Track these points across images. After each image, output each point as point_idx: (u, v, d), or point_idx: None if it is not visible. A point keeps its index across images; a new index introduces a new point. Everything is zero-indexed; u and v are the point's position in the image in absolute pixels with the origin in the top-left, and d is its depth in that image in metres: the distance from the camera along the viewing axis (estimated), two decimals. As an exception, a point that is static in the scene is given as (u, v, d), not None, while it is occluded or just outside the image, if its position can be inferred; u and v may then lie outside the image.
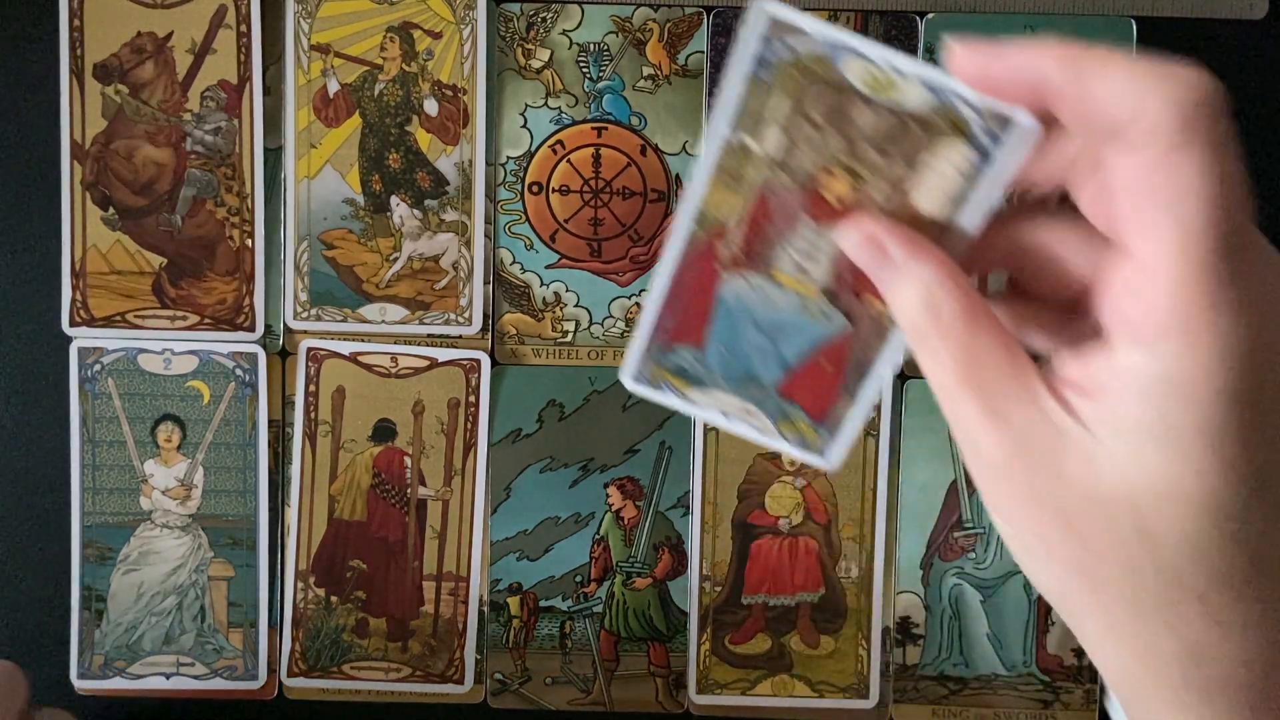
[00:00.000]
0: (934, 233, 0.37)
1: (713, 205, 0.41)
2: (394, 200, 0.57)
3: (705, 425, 0.58)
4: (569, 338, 0.58)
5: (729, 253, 0.41)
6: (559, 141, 0.57)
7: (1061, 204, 0.36)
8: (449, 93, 0.56)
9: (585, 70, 0.56)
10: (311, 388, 0.57)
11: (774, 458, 0.58)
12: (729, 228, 0.40)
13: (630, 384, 0.43)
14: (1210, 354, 0.31)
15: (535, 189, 0.57)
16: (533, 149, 0.57)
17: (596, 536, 0.59)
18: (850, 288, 0.40)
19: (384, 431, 0.58)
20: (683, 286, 0.42)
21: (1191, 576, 0.32)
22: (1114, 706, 0.38)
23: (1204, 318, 0.31)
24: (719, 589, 0.59)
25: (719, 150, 0.40)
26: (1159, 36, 0.56)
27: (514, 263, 0.57)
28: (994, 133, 0.35)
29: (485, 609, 0.59)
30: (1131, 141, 0.32)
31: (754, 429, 0.43)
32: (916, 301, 0.35)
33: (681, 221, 0.41)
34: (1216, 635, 0.33)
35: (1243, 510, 0.32)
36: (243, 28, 0.56)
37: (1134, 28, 0.56)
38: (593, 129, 0.57)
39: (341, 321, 0.57)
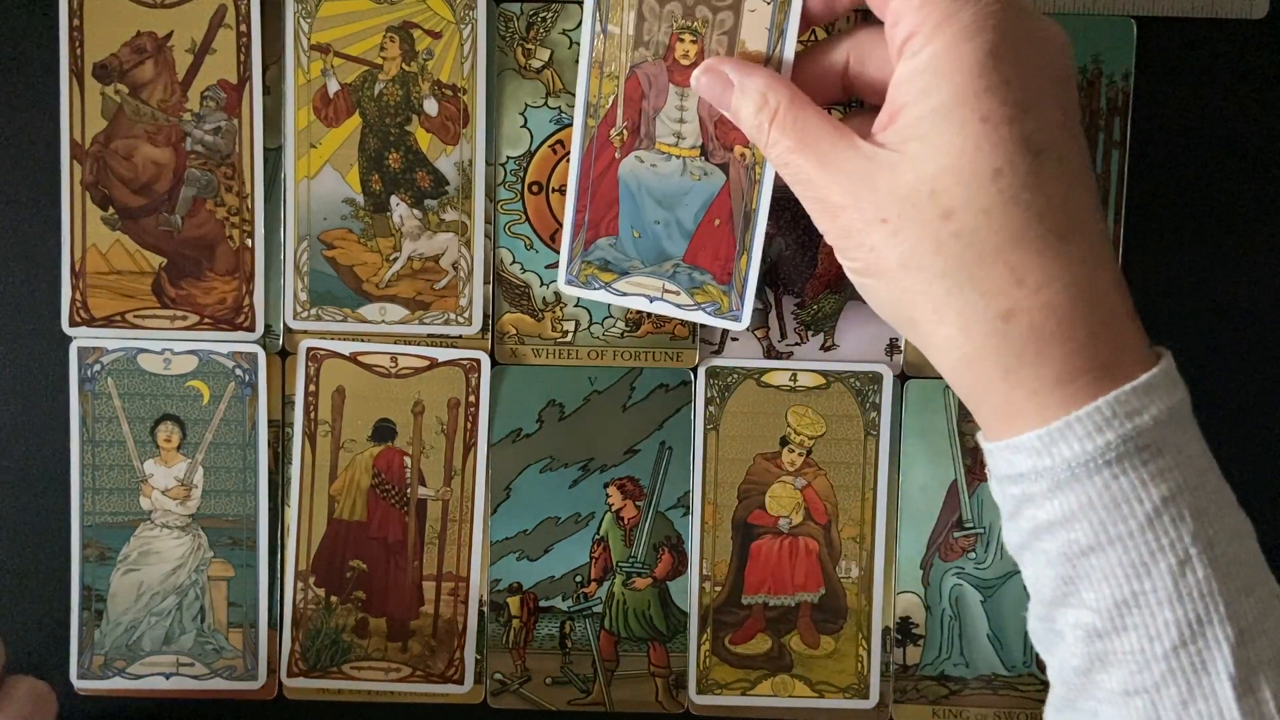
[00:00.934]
0: (762, 63, 0.46)
1: (596, 94, 0.49)
2: (394, 200, 0.57)
3: (705, 424, 0.58)
4: (569, 338, 0.58)
5: (619, 135, 0.49)
6: (559, 141, 0.57)
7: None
8: (449, 92, 0.56)
9: (585, 70, 0.56)
10: (311, 388, 0.57)
11: (774, 457, 0.58)
12: (614, 112, 0.49)
13: (565, 288, 0.51)
14: (955, 32, 0.38)
15: (535, 189, 0.57)
16: (533, 149, 0.57)
17: (596, 536, 0.58)
18: (718, 141, 0.48)
19: (384, 431, 0.58)
20: (590, 180, 0.50)
21: (990, 240, 0.38)
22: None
23: (944, 6, 0.38)
24: (719, 589, 0.58)
25: (590, 42, 0.48)
26: (1159, 36, 0.56)
27: (514, 263, 0.57)
28: None
29: (485, 609, 0.59)
30: None
31: (675, 306, 0.51)
32: (754, 105, 0.43)
33: (577, 119, 0.49)
34: (1022, 292, 0.38)
35: (1024, 176, 0.38)
36: (242, 27, 0.56)
37: (1134, 28, 0.56)
38: (593, 129, 0.57)
39: (341, 321, 0.57)
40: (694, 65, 0.47)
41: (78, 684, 0.59)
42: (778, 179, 0.46)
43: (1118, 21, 0.56)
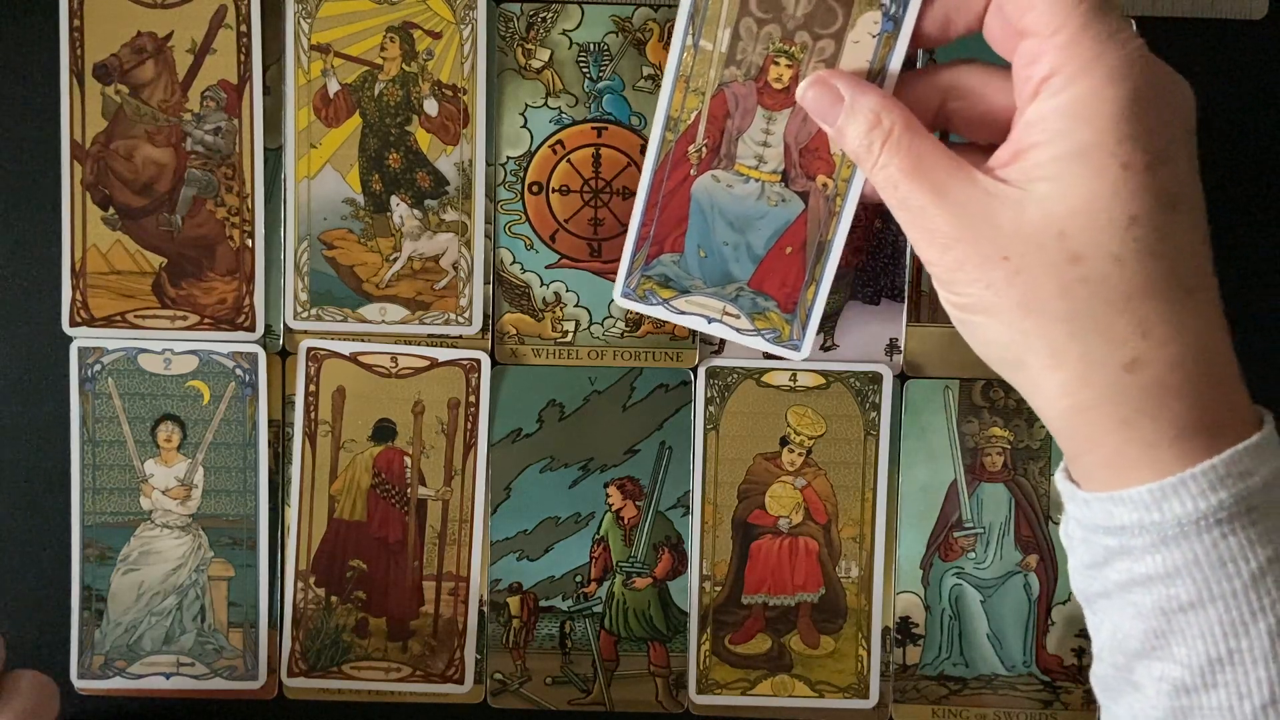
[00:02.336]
0: None
1: (678, 109, 0.47)
2: (394, 200, 0.57)
3: (705, 424, 0.58)
4: (569, 338, 0.58)
5: (697, 153, 0.48)
6: (559, 141, 0.57)
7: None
8: (449, 93, 0.56)
9: (585, 70, 0.56)
10: (311, 388, 0.57)
11: (774, 457, 0.58)
12: (695, 128, 0.47)
13: (621, 300, 0.49)
14: (1101, 76, 0.37)
15: (535, 189, 0.57)
16: (533, 149, 0.57)
17: (596, 536, 0.59)
18: (801, 168, 0.47)
19: (384, 431, 0.58)
20: (661, 194, 0.48)
21: (1118, 289, 0.37)
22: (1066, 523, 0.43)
23: (1090, 48, 0.37)
24: (719, 589, 0.59)
25: (679, 56, 0.47)
26: (1159, 36, 0.56)
27: (514, 263, 0.57)
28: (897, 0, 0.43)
29: (485, 609, 0.59)
30: None
31: (734, 330, 0.49)
32: (865, 125, 0.42)
33: (655, 131, 0.47)
34: (1147, 344, 0.37)
35: (1159, 226, 0.37)
36: (243, 28, 0.56)
37: (1134, 28, 0.56)
38: (593, 129, 0.57)
39: (341, 321, 0.57)
40: (786, 90, 0.46)
41: (78, 684, 0.59)
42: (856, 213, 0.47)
43: (1118, 22, 0.56)
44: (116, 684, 0.59)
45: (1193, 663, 0.38)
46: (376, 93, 0.56)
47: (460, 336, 0.57)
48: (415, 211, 0.57)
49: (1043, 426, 0.57)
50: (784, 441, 0.58)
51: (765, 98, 0.47)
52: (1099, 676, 0.42)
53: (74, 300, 0.57)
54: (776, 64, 0.46)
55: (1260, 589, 0.37)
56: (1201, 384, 0.38)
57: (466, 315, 0.57)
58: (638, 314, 0.57)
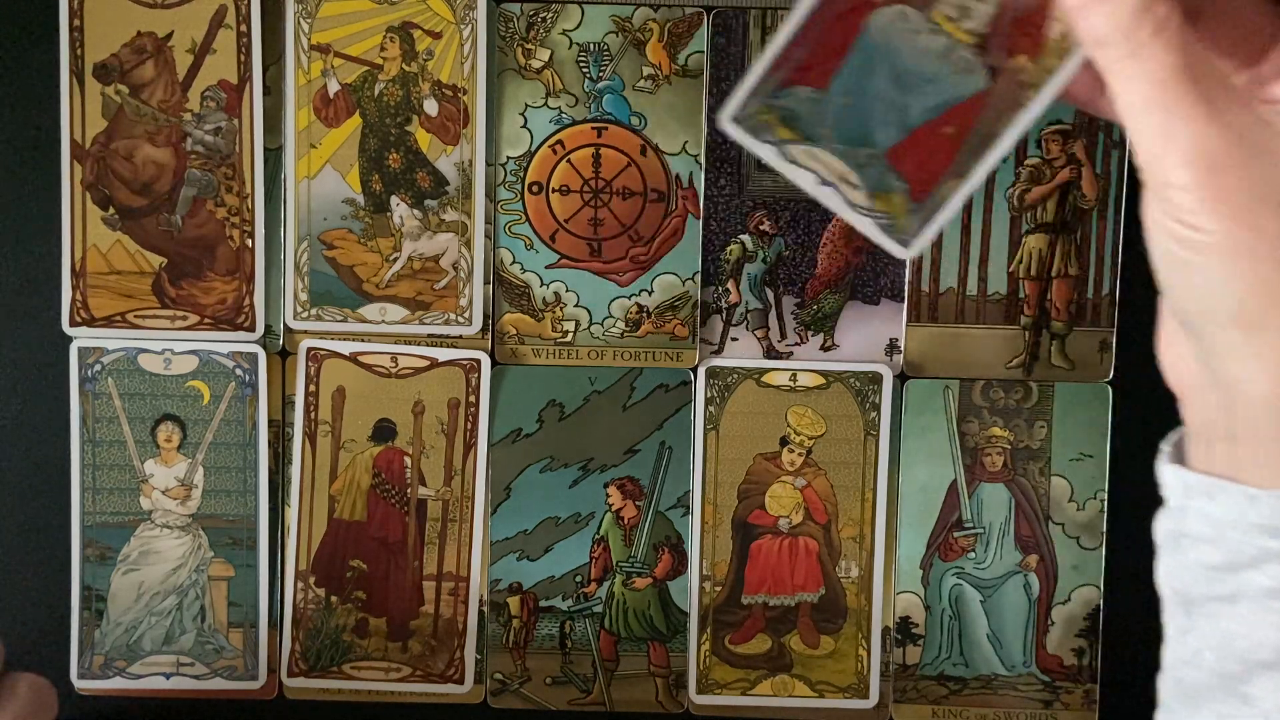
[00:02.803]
0: None
1: None
2: (394, 200, 0.57)
3: (705, 424, 0.58)
4: (569, 338, 0.58)
5: None
6: (559, 141, 0.57)
7: None
8: (449, 93, 0.56)
9: (585, 70, 0.56)
10: (311, 388, 0.57)
11: (774, 457, 0.58)
12: None
13: (728, 126, 0.40)
14: None
15: (535, 189, 0.57)
16: (533, 149, 0.57)
17: (596, 536, 0.59)
18: (1004, 41, 0.38)
19: (384, 431, 0.58)
20: (829, 12, 0.39)
21: None
22: (1166, 471, 0.38)
23: None
24: (719, 589, 0.59)
25: None
26: None
27: (514, 263, 0.57)
28: None
29: (485, 609, 0.59)
30: None
31: (844, 202, 0.40)
32: (1135, 7, 0.33)
33: None
34: None
35: None
36: (243, 28, 0.56)
37: None
38: (593, 129, 0.57)
39: (341, 321, 0.57)
40: None
41: (78, 684, 0.59)
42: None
43: (1118, 22, 0.56)
44: (116, 684, 0.59)
45: None
46: (376, 93, 0.56)
47: (460, 336, 0.57)
48: (415, 211, 0.57)
49: (1043, 426, 0.57)
50: (784, 441, 0.58)
51: None
52: (1184, 683, 0.39)
53: (74, 300, 0.57)
54: None
55: None
56: None
57: (466, 315, 0.57)
58: (636, 314, 0.57)
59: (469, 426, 0.58)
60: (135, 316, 0.57)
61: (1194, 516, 0.37)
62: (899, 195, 0.40)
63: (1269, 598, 0.35)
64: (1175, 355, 0.38)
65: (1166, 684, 0.39)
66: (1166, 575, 0.38)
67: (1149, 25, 0.33)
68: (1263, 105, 0.34)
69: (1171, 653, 0.39)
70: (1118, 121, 0.35)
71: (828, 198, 0.40)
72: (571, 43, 0.56)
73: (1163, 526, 0.38)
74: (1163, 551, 0.38)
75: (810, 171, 0.40)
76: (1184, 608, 0.38)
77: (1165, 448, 0.39)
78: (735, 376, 0.57)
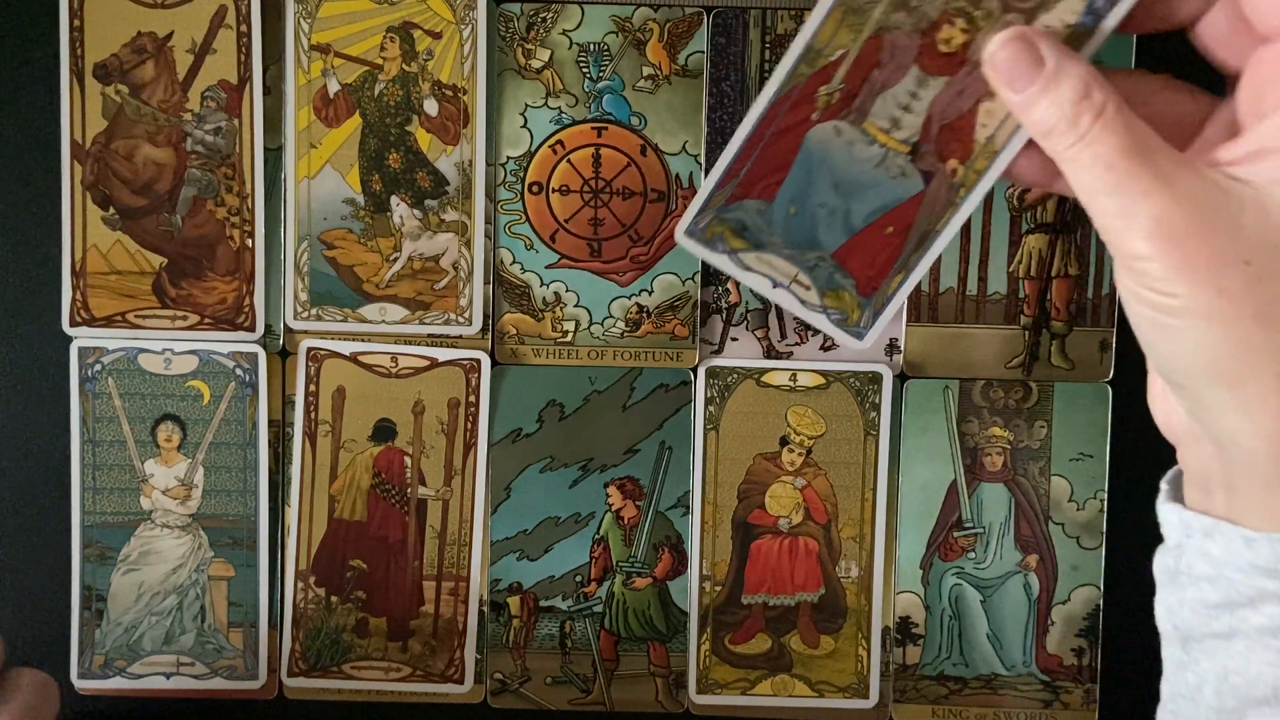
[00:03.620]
0: None
1: (826, 41, 0.40)
2: (394, 200, 0.57)
3: (705, 424, 0.58)
4: (569, 338, 0.58)
5: (828, 96, 0.41)
6: (559, 141, 0.57)
7: None
8: (449, 93, 0.56)
9: (585, 70, 0.56)
10: (311, 388, 0.57)
11: (774, 457, 0.58)
12: (835, 68, 0.40)
13: (683, 238, 0.43)
14: None
15: (535, 189, 0.57)
16: (533, 149, 0.57)
17: (596, 536, 0.59)
18: (935, 146, 0.41)
19: (384, 431, 0.58)
20: (769, 131, 0.42)
21: None
22: (1167, 511, 0.39)
23: None
24: (719, 589, 0.59)
25: None
26: (1159, 36, 0.56)
27: (514, 263, 0.57)
28: None
29: (485, 609, 0.59)
30: None
31: (798, 301, 0.43)
32: (1073, 94, 0.36)
33: (788, 59, 0.40)
34: None
35: None
36: (243, 28, 0.56)
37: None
38: (593, 129, 0.57)
39: (341, 321, 0.57)
40: (952, 56, 0.40)
41: (78, 684, 0.59)
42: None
43: (1117, 22, 0.56)
44: (117, 684, 0.59)
45: None
46: (376, 93, 0.56)
47: (460, 336, 0.57)
48: (415, 211, 0.57)
49: (1043, 426, 0.57)
50: (784, 441, 0.58)
51: (925, 57, 0.41)
52: (1181, 716, 0.39)
53: (74, 300, 0.57)
54: (952, 24, 0.40)
55: None
56: None
57: (466, 315, 0.57)
58: (636, 314, 0.57)
59: (469, 426, 0.58)
60: (135, 316, 0.57)
61: (1193, 555, 0.37)
62: (848, 292, 0.43)
63: (1266, 635, 0.35)
64: (1166, 409, 0.39)
65: (1164, 717, 0.40)
66: (1165, 611, 0.38)
67: (1090, 112, 0.35)
68: (1212, 170, 0.35)
69: (1169, 686, 0.39)
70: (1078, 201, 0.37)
71: (782, 298, 0.43)
72: (571, 43, 0.56)
73: (1161, 563, 0.39)
74: (1162, 588, 0.39)
75: (764, 275, 0.43)
76: (1182, 644, 0.38)
77: (1164, 485, 0.39)
78: (735, 376, 0.57)
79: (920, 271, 0.43)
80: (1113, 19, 0.38)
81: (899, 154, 0.41)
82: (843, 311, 0.44)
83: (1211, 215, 0.34)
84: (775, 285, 0.43)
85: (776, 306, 0.57)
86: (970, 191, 0.41)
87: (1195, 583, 0.37)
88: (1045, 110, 0.36)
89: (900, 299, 0.43)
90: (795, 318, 0.57)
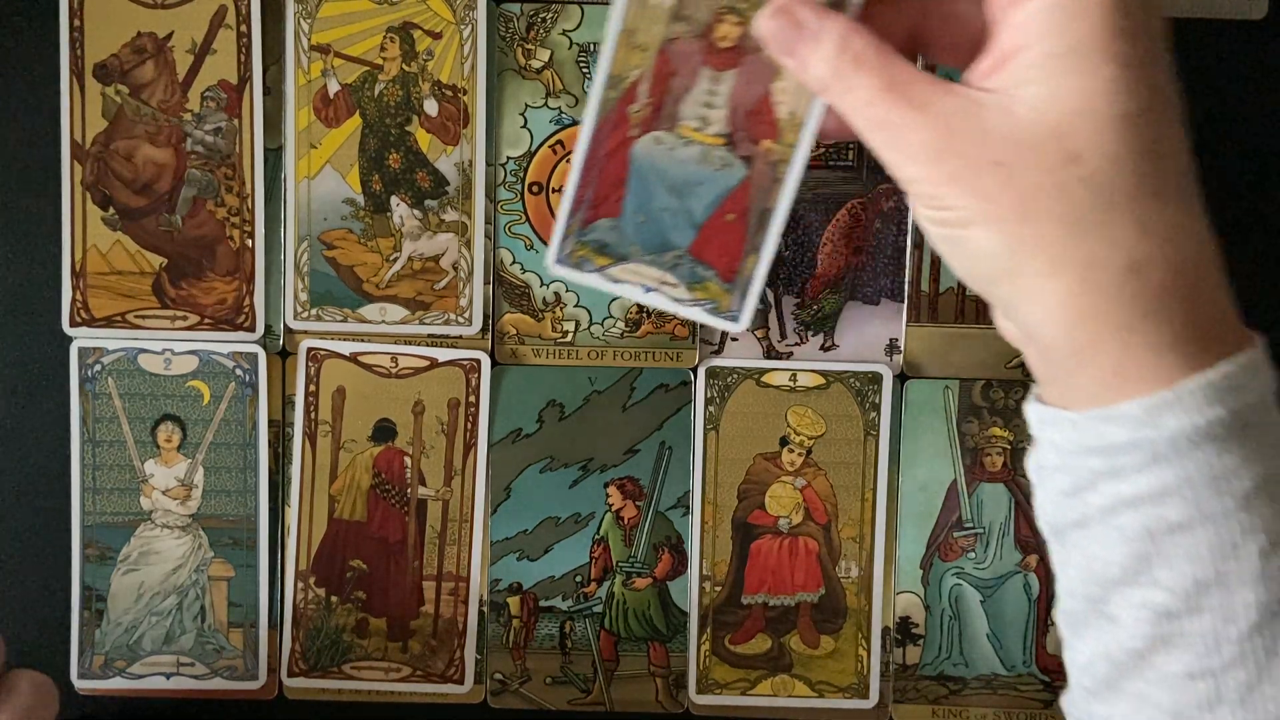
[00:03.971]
0: None
1: (621, 66, 0.45)
2: (394, 200, 0.57)
3: (705, 424, 0.58)
4: (569, 338, 0.58)
5: (639, 112, 0.45)
6: (559, 141, 0.57)
7: None
8: (449, 93, 0.56)
9: (585, 70, 0.56)
10: (311, 388, 0.57)
11: (774, 457, 0.58)
12: (637, 87, 0.45)
13: (554, 268, 0.46)
14: None
15: (535, 189, 0.57)
16: (533, 149, 0.57)
17: (596, 537, 0.59)
18: (746, 133, 0.45)
19: (384, 431, 0.58)
20: (599, 155, 0.46)
21: (1120, 188, 0.36)
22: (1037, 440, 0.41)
23: None
24: (719, 589, 0.59)
25: (624, 10, 0.45)
26: None
27: (514, 263, 0.57)
28: None
29: (485, 609, 0.59)
30: None
31: (672, 300, 0.47)
32: (833, 49, 0.39)
33: (594, 90, 0.45)
34: (1151, 245, 0.36)
35: (1157, 125, 0.36)
36: (243, 28, 0.56)
37: None
38: (593, 129, 0.57)
39: (341, 321, 0.57)
40: (734, 49, 0.44)
41: (78, 684, 0.59)
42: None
43: (1117, 22, 0.56)
44: (116, 684, 0.59)
45: (1178, 587, 0.37)
46: (376, 93, 0.56)
47: (460, 336, 0.57)
48: (415, 211, 0.57)
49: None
50: (784, 441, 0.58)
51: (711, 57, 0.45)
52: (1066, 613, 0.41)
53: (74, 300, 0.57)
54: (724, 21, 0.44)
55: (1252, 509, 0.36)
56: (1201, 291, 0.36)
57: (466, 315, 0.57)
58: (636, 314, 0.57)
59: (469, 426, 0.58)
60: (135, 316, 0.57)
61: (1045, 446, 0.39)
62: (713, 282, 0.47)
63: (1108, 515, 0.37)
64: (999, 319, 0.42)
65: (1060, 619, 0.41)
66: (1039, 511, 0.40)
67: (849, 61, 0.39)
68: (964, 87, 0.38)
69: (1058, 587, 0.41)
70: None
71: (655, 300, 0.46)
72: (571, 43, 0.56)
73: (1030, 463, 0.41)
74: (1034, 488, 0.41)
75: (634, 284, 0.47)
76: (1058, 540, 0.40)
77: (1033, 390, 0.41)
78: (735, 376, 0.57)
79: (770, 247, 0.46)
80: None
81: (716, 147, 0.45)
82: (713, 300, 0.47)
83: (962, 128, 0.37)
84: (647, 291, 0.47)
85: (778, 306, 0.57)
86: (790, 165, 0.45)
87: (1051, 475, 0.39)
88: (816, 68, 0.40)
89: (760, 276, 0.46)
90: (793, 318, 0.57)
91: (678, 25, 0.45)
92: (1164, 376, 0.36)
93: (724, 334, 0.57)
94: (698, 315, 0.48)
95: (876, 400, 0.57)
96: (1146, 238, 0.36)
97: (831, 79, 0.40)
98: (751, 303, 0.47)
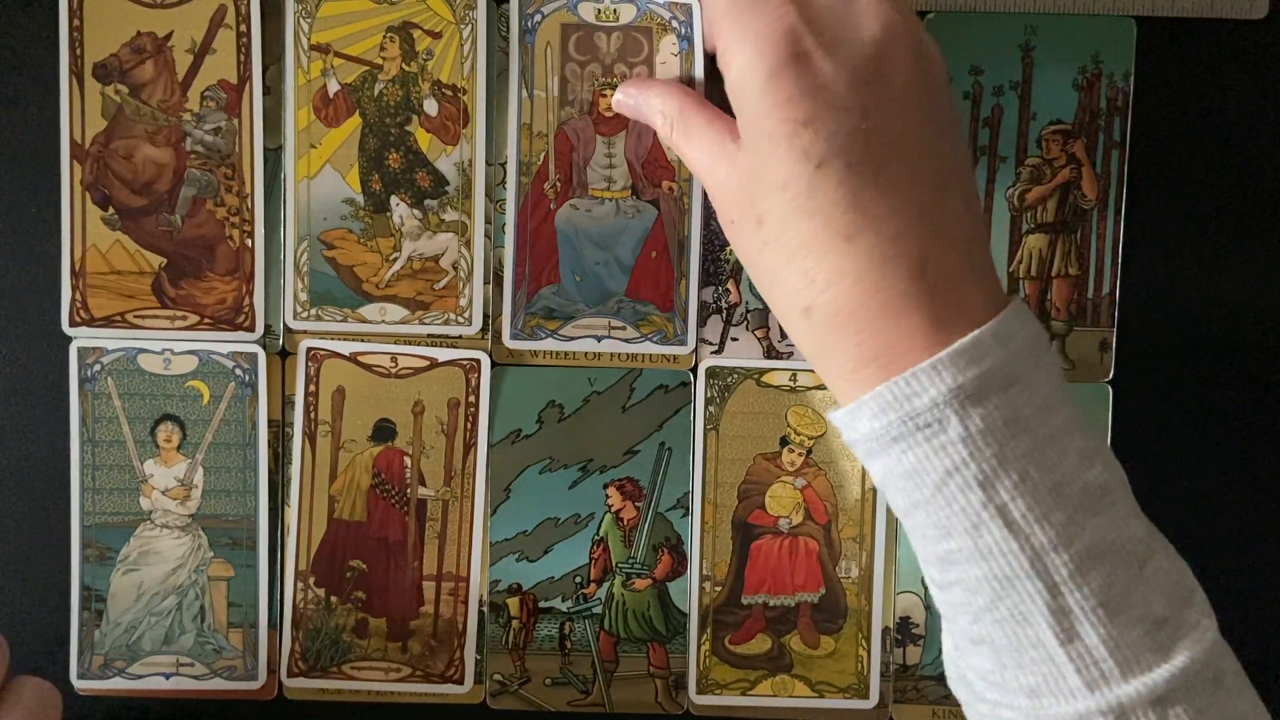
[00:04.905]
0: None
1: (528, 153, 0.53)
2: (394, 200, 0.57)
3: (705, 425, 0.58)
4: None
5: (552, 188, 0.53)
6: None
7: None
8: (449, 93, 0.56)
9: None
10: (311, 388, 0.57)
11: (774, 457, 0.58)
12: (546, 167, 0.53)
13: (511, 344, 0.55)
14: (748, 50, 0.42)
15: (535, 189, 0.57)
16: (533, 149, 0.57)
17: (596, 537, 0.58)
18: (647, 180, 0.53)
19: (384, 431, 0.58)
20: (528, 234, 0.53)
21: (786, 245, 0.42)
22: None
23: (738, 22, 0.42)
24: (719, 589, 0.58)
25: (518, 107, 0.53)
26: (1159, 36, 0.56)
27: (514, 263, 0.57)
28: (684, 20, 0.51)
29: (485, 609, 0.59)
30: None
31: (623, 341, 0.54)
32: (657, 117, 0.49)
33: (510, 178, 0.53)
34: (813, 290, 0.42)
35: (805, 186, 0.41)
36: (242, 28, 0.56)
37: (1134, 28, 0.56)
38: (592, 129, 0.57)
39: (341, 321, 0.57)
40: (617, 116, 0.53)
41: (78, 684, 0.59)
42: (704, 203, 0.53)
43: (1118, 21, 0.56)
44: (116, 684, 0.59)
45: (930, 559, 0.43)
46: (376, 93, 0.56)
47: (460, 336, 0.57)
48: (415, 211, 0.57)
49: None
50: (784, 441, 0.58)
51: (601, 126, 0.53)
52: (938, 603, 0.45)
53: (74, 300, 0.57)
54: (605, 95, 0.53)
55: (946, 495, 0.40)
56: (868, 319, 0.41)
57: (466, 315, 0.57)
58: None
59: (469, 427, 0.58)
60: (135, 316, 0.57)
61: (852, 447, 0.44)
62: (655, 315, 0.55)
63: (898, 484, 0.42)
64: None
65: (940, 607, 0.45)
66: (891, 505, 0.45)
67: (665, 124, 0.49)
68: (733, 139, 0.45)
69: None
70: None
71: (609, 346, 0.55)
72: (571, 43, 0.56)
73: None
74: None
75: (587, 336, 0.55)
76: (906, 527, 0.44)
77: None
78: (735, 376, 0.57)
79: (695, 271, 0.54)
80: (697, 39, 0.50)
81: (625, 199, 0.53)
82: (659, 331, 0.55)
83: (726, 177, 0.44)
84: (600, 339, 0.54)
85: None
86: (691, 197, 0.53)
87: (868, 470, 0.44)
88: (657, 127, 0.49)
89: (694, 299, 0.54)
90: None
91: (566, 109, 0.53)
92: (851, 393, 0.42)
93: (725, 334, 0.57)
94: (649, 348, 0.55)
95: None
96: (811, 285, 0.42)
97: (664, 134, 0.49)
98: (692, 324, 0.55)
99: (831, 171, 0.41)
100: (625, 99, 0.51)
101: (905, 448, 0.40)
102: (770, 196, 0.42)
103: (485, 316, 0.57)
